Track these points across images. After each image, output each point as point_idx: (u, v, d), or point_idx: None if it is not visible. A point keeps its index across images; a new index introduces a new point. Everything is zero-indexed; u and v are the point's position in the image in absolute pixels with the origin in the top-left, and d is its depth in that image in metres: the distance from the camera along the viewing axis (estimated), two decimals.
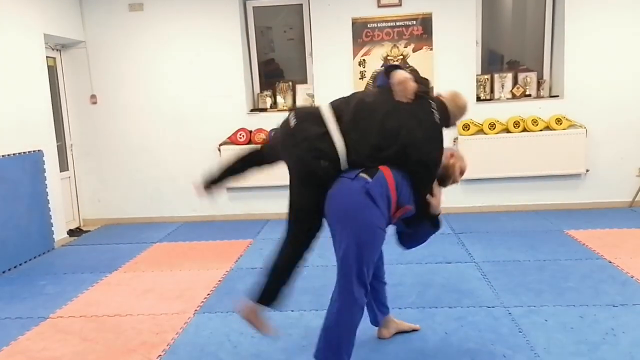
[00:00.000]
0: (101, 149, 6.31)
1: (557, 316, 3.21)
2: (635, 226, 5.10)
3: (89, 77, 6.17)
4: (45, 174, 5.30)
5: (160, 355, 2.98)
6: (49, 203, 5.33)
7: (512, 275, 3.97)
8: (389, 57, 5.93)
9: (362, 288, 2.38)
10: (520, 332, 3.03)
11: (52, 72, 5.99)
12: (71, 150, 6.29)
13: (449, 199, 5.98)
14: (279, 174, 6.14)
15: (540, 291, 3.63)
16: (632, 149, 5.81)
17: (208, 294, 3.89)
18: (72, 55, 6.18)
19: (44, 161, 5.29)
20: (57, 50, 6.09)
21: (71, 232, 5.95)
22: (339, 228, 2.42)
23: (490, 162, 5.88)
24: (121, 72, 6.16)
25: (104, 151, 6.31)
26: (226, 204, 6.27)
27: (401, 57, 5.93)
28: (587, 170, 5.85)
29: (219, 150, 6.09)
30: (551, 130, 5.78)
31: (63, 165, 6.03)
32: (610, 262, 4.11)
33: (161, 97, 6.16)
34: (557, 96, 5.91)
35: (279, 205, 6.41)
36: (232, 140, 6.09)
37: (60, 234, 5.58)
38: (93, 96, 6.20)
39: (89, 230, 6.15)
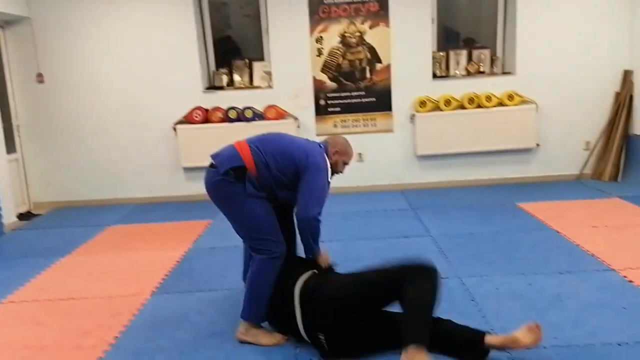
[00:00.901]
0: (50, 130, 6.11)
1: (507, 284, 3.33)
2: (582, 198, 5.30)
3: (35, 55, 5.93)
4: None
5: (116, 336, 2.95)
6: None
7: (466, 247, 4.08)
8: (346, 34, 5.92)
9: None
10: (472, 300, 3.13)
11: None
12: (18, 131, 6.06)
13: (405, 175, 6.12)
14: None
15: (492, 261, 3.74)
16: (579, 124, 6.00)
17: (166, 275, 3.85)
18: (17, 32, 5.92)
19: None
20: (0, 27, 5.83)
21: (21, 216, 5.77)
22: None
23: (446, 138, 5.98)
24: (69, 49, 5.94)
25: (54, 132, 6.11)
26: (183, 184, 6.19)
27: (358, 34, 5.93)
28: (538, 145, 6.02)
29: (175, 129, 5.98)
30: (504, 106, 5.90)
31: (10, 147, 5.81)
32: (558, 232, 4.27)
33: (112, 75, 5.98)
34: (510, 73, 6.03)
35: None
36: (187, 119, 5.99)
37: (9, 217, 5.41)
38: (40, 75, 5.97)
39: (40, 214, 5.98)
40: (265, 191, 2.78)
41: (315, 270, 2.76)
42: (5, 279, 3.95)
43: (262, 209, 2.77)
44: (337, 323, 2.52)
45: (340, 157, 3.06)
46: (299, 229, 2.81)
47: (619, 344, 2.56)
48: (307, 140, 3.05)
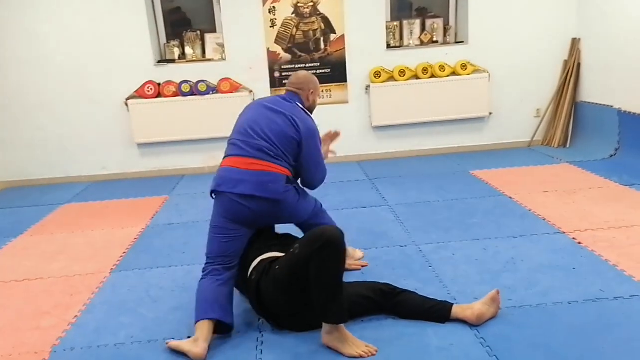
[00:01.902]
0: None
1: (463, 250, 3.43)
2: (533, 164, 5.48)
3: None
4: None
5: (76, 315, 2.90)
6: None
7: (423, 215, 4.17)
8: (299, 4, 5.85)
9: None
10: (430, 266, 3.22)
11: None
12: None
13: (362, 146, 6.16)
14: (192, 127, 6.02)
15: (448, 228, 3.84)
16: (530, 92, 6.16)
17: (124, 252, 3.79)
18: None
19: None
20: None
21: None
22: None
23: (401, 108, 6.03)
24: (11, 21, 5.64)
25: None
26: (137, 160, 6.06)
27: (311, 4, 5.86)
28: (490, 114, 6.15)
29: (127, 105, 5.82)
30: (457, 75, 5.99)
31: None
32: (511, 198, 4.41)
33: (59, 48, 5.73)
34: (462, 42, 6.11)
35: (194, 159, 6.35)
36: (139, 94, 5.83)
37: None
38: None
39: None
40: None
41: (262, 257, 2.69)
42: None
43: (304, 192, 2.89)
44: (279, 305, 2.56)
45: (315, 95, 3.01)
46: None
47: (569, 303, 2.69)
48: (282, 102, 2.85)
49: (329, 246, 2.33)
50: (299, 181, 2.91)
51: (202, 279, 2.67)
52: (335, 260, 2.36)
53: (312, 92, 2.97)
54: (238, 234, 2.69)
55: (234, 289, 2.75)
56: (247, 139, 2.71)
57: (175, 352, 2.46)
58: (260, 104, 2.88)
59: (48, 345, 2.62)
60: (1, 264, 3.75)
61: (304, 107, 2.91)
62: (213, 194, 2.75)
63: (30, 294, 3.22)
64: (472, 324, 2.50)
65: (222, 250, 2.68)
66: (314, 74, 5.76)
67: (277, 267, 2.54)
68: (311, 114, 2.96)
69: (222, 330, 2.56)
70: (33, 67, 5.76)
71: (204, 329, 2.46)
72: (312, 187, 2.94)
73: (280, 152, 2.70)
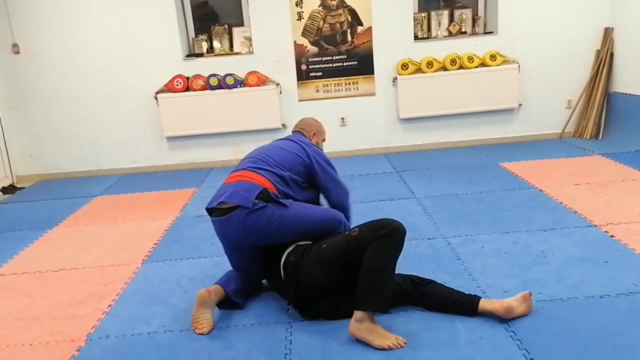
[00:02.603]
0: (29, 102, 5.99)
1: (492, 243, 3.41)
2: (564, 156, 5.39)
3: (9, 25, 5.77)
4: None
5: (110, 305, 2.98)
6: None
7: (451, 208, 4.14)
8: None
9: None
10: (458, 259, 3.21)
11: None
12: None
13: (389, 139, 6.15)
14: (220, 121, 6.09)
15: (477, 221, 3.81)
16: (561, 82, 6.04)
17: (155, 244, 3.87)
18: None
19: None
20: None
21: (5, 190, 5.72)
22: None
23: (428, 100, 5.99)
24: (45, 18, 5.78)
25: (33, 104, 6.00)
26: (167, 153, 6.16)
27: None
28: (520, 105, 6.06)
29: (156, 99, 5.91)
30: (486, 66, 5.91)
31: None
32: (541, 191, 4.35)
33: (89, 43, 5.85)
34: (492, 32, 6.02)
35: (222, 152, 6.43)
36: (168, 88, 5.91)
37: None
38: (15, 45, 5.82)
39: (24, 187, 5.92)
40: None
41: (299, 243, 2.73)
42: None
43: (300, 206, 2.78)
44: (318, 294, 2.59)
45: (318, 137, 3.17)
46: (338, 209, 2.91)
47: (601, 297, 2.65)
48: (287, 139, 3.05)
49: (392, 235, 2.39)
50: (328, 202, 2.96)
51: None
52: (393, 250, 2.40)
53: (314, 134, 3.14)
54: (241, 255, 2.83)
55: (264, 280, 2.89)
56: (245, 159, 2.91)
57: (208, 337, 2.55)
58: (270, 142, 3.07)
59: (84, 333, 2.69)
60: (38, 254, 3.86)
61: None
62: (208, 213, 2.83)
63: (66, 284, 3.31)
64: (501, 317, 2.48)
65: (235, 267, 2.91)
66: (340, 66, 5.99)
67: (324, 245, 2.58)
68: None
69: (231, 306, 2.79)
70: (65, 62, 5.89)
71: (214, 291, 2.69)
72: (342, 207, 2.92)
73: (276, 168, 2.75)
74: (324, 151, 3.09)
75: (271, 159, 2.80)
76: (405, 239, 2.46)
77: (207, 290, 2.68)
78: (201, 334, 2.58)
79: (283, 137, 3.11)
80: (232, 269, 2.93)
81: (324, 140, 3.23)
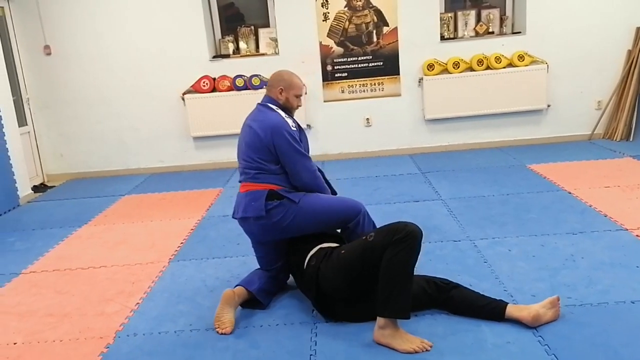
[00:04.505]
0: (59, 102, 6.12)
1: (519, 246, 3.36)
2: (594, 158, 5.29)
3: (40, 27, 5.90)
4: (4, 130, 5.15)
5: (138, 303, 3.02)
6: (10, 159, 5.20)
7: (477, 209, 4.10)
8: None
9: None
10: (485, 262, 3.17)
11: (1, 22, 5.72)
12: (28, 104, 6.08)
13: (414, 139, 6.11)
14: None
15: (503, 223, 3.77)
16: (591, 83, 5.93)
17: (181, 243, 3.91)
18: (22, 4, 5.88)
19: (0, 116, 5.12)
20: None
21: (35, 188, 5.84)
22: None
23: (454, 101, 5.94)
24: (75, 20, 5.90)
25: (63, 104, 6.13)
26: (193, 153, 6.23)
27: None
28: (549, 106, 5.97)
29: (183, 99, 5.98)
30: (514, 67, 5.84)
31: (21, 120, 5.84)
32: (570, 193, 4.28)
33: (118, 45, 5.96)
34: (520, 32, 5.94)
35: None
36: (195, 89, 5.98)
37: (24, 190, 5.47)
38: (47, 47, 5.96)
39: (54, 186, 6.05)
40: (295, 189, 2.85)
41: (321, 246, 2.76)
42: (25, 250, 4.03)
43: (311, 198, 2.82)
44: (339, 295, 2.59)
45: (288, 93, 2.88)
46: (304, 190, 2.85)
47: (632, 302, 2.59)
48: (254, 110, 2.96)
49: (408, 239, 2.35)
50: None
51: (257, 269, 2.99)
52: (410, 255, 2.37)
53: (282, 90, 2.87)
54: (265, 253, 2.94)
55: (290, 276, 2.98)
56: (239, 163, 2.93)
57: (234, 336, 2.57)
58: (244, 123, 2.98)
59: (112, 330, 2.74)
60: (67, 252, 3.94)
61: (277, 105, 2.88)
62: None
63: (95, 281, 3.37)
64: (528, 325, 2.44)
65: (262, 264, 2.98)
66: (366, 67, 5.95)
67: (343, 251, 2.59)
68: (290, 112, 2.91)
69: (255, 305, 2.83)
70: (94, 63, 6.00)
71: (239, 294, 2.75)
72: (302, 184, 2.81)
73: (260, 165, 2.78)
74: (300, 105, 2.95)
75: (258, 165, 2.78)
76: (422, 240, 2.43)
77: (232, 291, 2.74)
78: (224, 334, 2.60)
79: (253, 109, 2.96)
80: (257, 268, 2.99)
81: (297, 95, 2.90)
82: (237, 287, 2.81)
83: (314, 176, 2.86)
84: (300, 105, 2.99)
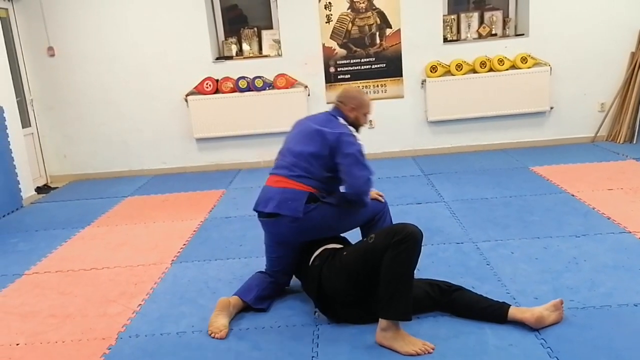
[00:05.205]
0: (63, 103, 6.14)
1: (522, 248, 3.36)
2: (597, 160, 5.28)
3: (44, 28, 5.92)
4: (7, 131, 5.16)
5: (140, 304, 3.02)
6: (13, 160, 5.21)
7: (479, 212, 4.10)
8: (354, 0, 5.84)
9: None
10: (487, 264, 3.17)
11: (5, 23, 5.73)
12: (32, 105, 6.10)
13: (417, 141, 6.11)
14: (248, 123, 6.14)
15: (506, 226, 3.76)
16: (594, 85, 5.93)
17: (184, 244, 3.92)
18: (26, 6, 5.90)
19: (4, 117, 5.13)
20: (8, 0, 5.81)
21: (39, 189, 5.86)
22: None
23: (457, 103, 5.94)
24: (78, 21, 5.92)
25: (66, 105, 6.14)
26: (196, 155, 6.24)
27: None
28: (551, 108, 5.97)
29: (186, 100, 5.99)
30: (517, 69, 5.84)
31: (25, 122, 5.86)
32: (573, 196, 4.27)
33: (121, 46, 5.97)
34: (523, 34, 5.94)
35: (250, 154, 6.47)
36: (198, 90, 5.99)
37: (27, 191, 5.48)
38: (50, 48, 5.98)
39: (57, 187, 6.06)
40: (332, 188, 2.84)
41: (326, 247, 2.77)
42: (28, 251, 4.04)
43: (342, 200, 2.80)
44: (342, 296, 2.59)
45: (358, 111, 2.93)
46: (351, 198, 2.77)
47: (635, 305, 2.59)
48: (321, 116, 2.93)
49: (407, 241, 2.35)
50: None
51: (257, 272, 2.99)
52: (410, 256, 2.36)
53: (353, 109, 2.92)
54: (283, 253, 2.86)
55: (294, 276, 2.97)
56: (280, 157, 2.88)
57: (236, 338, 2.56)
58: (301, 121, 2.97)
59: (114, 331, 2.74)
60: (70, 253, 3.95)
61: (345, 120, 2.90)
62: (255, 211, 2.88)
63: (98, 282, 3.37)
64: (531, 327, 2.43)
65: (272, 265, 2.91)
66: (368, 69, 5.97)
67: (345, 253, 2.59)
68: (356, 129, 2.93)
69: (255, 310, 2.82)
70: (97, 65, 6.02)
71: (234, 304, 2.75)
72: (351, 191, 2.74)
73: (309, 168, 2.74)
74: (365, 125, 2.99)
75: (307, 165, 2.74)
76: (423, 241, 2.42)
77: (228, 299, 2.75)
78: (220, 338, 2.58)
79: (316, 114, 2.99)
80: (258, 271, 2.97)
81: (366, 114, 2.96)
82: (234, 296, 2.80)
83: (367, 191, 2.76)
84: (366, 124, 3.04)
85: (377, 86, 6.06)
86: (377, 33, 5.94)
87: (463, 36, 6.05)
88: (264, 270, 2.97)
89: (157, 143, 6.23)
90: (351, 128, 2.89)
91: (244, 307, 2.79)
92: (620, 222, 3.64)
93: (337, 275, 2.55)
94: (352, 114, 2.93)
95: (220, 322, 2.65)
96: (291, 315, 2.77)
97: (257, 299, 2.81)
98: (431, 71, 5.89)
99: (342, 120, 2.89)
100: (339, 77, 6.04)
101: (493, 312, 2.51)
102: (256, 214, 2.89)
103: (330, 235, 2.85)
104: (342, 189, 2.86)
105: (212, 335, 2.61)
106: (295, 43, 5.95)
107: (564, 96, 5.94)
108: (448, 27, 6.03)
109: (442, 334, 2.46)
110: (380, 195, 3.04)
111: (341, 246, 2.79)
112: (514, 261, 3.18)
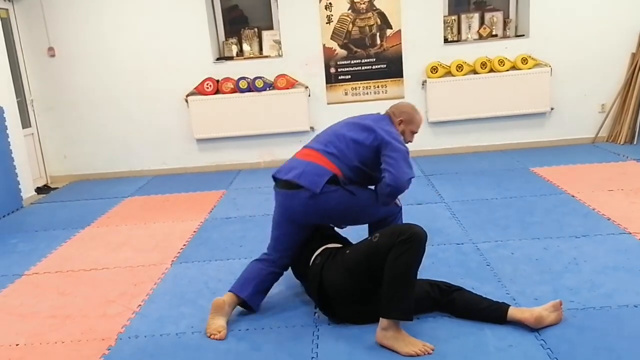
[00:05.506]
0: (63, 104, 6.14)
1: (522, 249, 3.35)
2: (597, 161, 5.27)
3: (45, 29, 5.93)
4: (8, 132, 5.16)
5: (140, 305, 3.02)
6: (13, 161, 5.21)
7: (480, 212, 4.10)
8: (355, 0, 5.84)
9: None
10: (487, 265, 3.16)
11: (6, 24, 5.74)
12: (32, 105, 6.11)
13: (418, 142, 6.08)
14: (249, 123, 6.14)
15: (506, 226, 3.76)
16: (595, 86, 5.92)
17: (184, 245, 3.92)
18: (26, 6, 5.90)
19: (4, 118, 5.14)
20: (9, 0, 5.81)
21: (39, 190, 5.86)
22: None
23: (458, 103, 5.94)
24: (79, 22, 5.92)
25: (67, 106, 6.14)
26: (196, 155, 6.24)
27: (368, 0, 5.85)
28: (552, 109, 5.96)
29: (187, 101, 5.99)
30: (517, 69, 5.83)
31: (25, 122, 5.86)
32: (573, 197, 4.26)
33: (122, 47, 5.98)
34: (523, 35, 5.94)
35: (250, 155, 6.47)
36: (199, 91, 5.99)
37: (27, 191, 5.48)
38: (51, 49, 5.98)
39: (57, 187, 6.07)
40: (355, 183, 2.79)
41: (327, 246, 2.76)
42: (28, 251, 4.04)
43: (362, 192, 2.76)
44: (342, 295, 2.58)
45: (406, 126, 2.89)
46: (387, 193, 2.69)
47: (636, 306, 2.58)
48: (372, 115, 2.93)
49: (412, 241, 2.34)
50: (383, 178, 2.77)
51: (253, 260, 2.88)
52: (414, 257, 2.36)
53: (402, 122, 2.88)
54: (289, 231, 2.79)
55: (295, 277, 2.93)
56: (320, 136, 2.86)
57: (235, 339, 2.56)
58: (349, 118, 2.93)
59: (114, 332, 2.74)
60: (70, 253, 3.94)
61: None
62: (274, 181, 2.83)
63: (98, 283, 3.37)
64: (530, 327, 2.43)
65: (275, 245, 2.83)
66: (369, 69, 5.96)
67: (348, 251, 2.59)
68: None
69: (248, 307, 2.78)
70: (98, 65, 6.02)
71: (229, 302, 2.70)
72: (393, 181, 2.64)
73: (344, 151, 2.70)
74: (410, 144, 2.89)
75: (343, 146, 2.72)
76: (427, 242, 2.42)
77: (222, 300, 2.71)
78: (220, 339, 2.58)
79: (370, 113, 2.97)
80: (251, 264, 2.86)
81: (413, 131, 2.92)
82: (228, 293, 2.75)
83: (410, 181, 2.70)
84: (411, 142, 2.96)
85: (378, 87, 6.06)
86: (378, 34, 5.94)
87: (464, 37, 6.05)
88: (261, 256, 2.86)
89: (158, 143, 6.23)
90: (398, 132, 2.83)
91: (239, 303, 2.76)
92: (620, 223, 3.64)
93: (339, 274, 2.55)
94: (400, 127, 2.88)
95: (217, 323, 2.64)
96: (291, 315, 2.76)
97: (253, 294, 2.76)
98: (432, 72, 5.89)
99: (392, 125, 2.84)
100: (339, 77, 6.04)
101: (493, 313, 2.51)
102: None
103: (340, 224, 2.86)
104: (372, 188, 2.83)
105: (211, 337, 2.60)
106: (296, 44, 5.95)
107: (564, 97, 5.94)
108: (449, 28, 6.03)
109: (442, 334, 2.46)
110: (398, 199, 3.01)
111: (342, 245, 2.78)
112: (514, 262, 3.18)
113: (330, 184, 2.64)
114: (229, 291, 2.77)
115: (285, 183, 2.71)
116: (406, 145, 2.77)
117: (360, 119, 2.87)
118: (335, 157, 2.70)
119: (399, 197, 2.89)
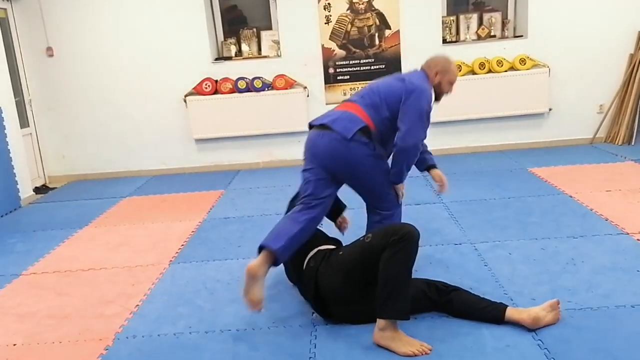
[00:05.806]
0: (62, 104, 6.14)
1: (520, 249, 3.36)
2: (595, 162, 5.28)
3: (43, 28, 5.92)
4: (6, 132, 5.16)
5: (138, 305, 3.02)
6: (11, 161, 5.21)
7: (478, 213, 4.10)
8: (354, 1, 5.84)
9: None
10: (485, 265, 3.17)
11: (4, 24, 5.73)
12: (30, 105, 6.10)
13: None
14: (248, 124, 6.14)
15: (504, 227, 3.76)
16: (593, 87, 5.93)
17: (182, 245, 3.91)
18: (24, 6, 5.90)
19: (2, 118, 5.13)
20: (7, 0, 5.81)
21: (37, 190, 5.85)
22: None
23: (456, 104, 5.90)
24: (77, 22, 5.92)
25: (65, 105, 6.14)
26: (195, 155, 6.24)
27: (366, 0, 5.85)
28: (550, 109, 5.97)
29: (185, 101, 5.99)
30: (515, 70, 5.84)
31: (23, 122, 5.85)
32: (571, 197, 4.27)
33: (121, 47, 5.97)
34: (521, 36, 5.95)
35: (249, 155, 6.47)
36: (197, 91, 5.99)
37: (25, 191, 5.48)
38: (49, 48, 5.97)
39: (56, 187, 6.06)
40: (383, 147, 2.84)
41: (320, 248, 2.75)
42: (26, 251, 4.04)
43: (385, 165, 2.84)
44: (337, 296, 2.58)
45: (443, 76, 2.91)
46: (395, 155, 2.78)
47: (633, 306, 2.59)
48: (409, 72, 2.98)
49: (405, 240, 2.35)
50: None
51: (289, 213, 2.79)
52: (407, 256, 2.37)
53: (437, 74, 2.91)
54: (316, 176, 2.74)
55: (290, 281, 2.93)
56: (364, 89, 2.94)
57: (233, 339, 2.56)
58: (391, 76, 3.01)
59: (112, 332, 2.74)
60: (68, 253, 3.94)
61: (428, 79, 2.90)
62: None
63: (95, 283, 3.37)
64: (528, 327, 2.44)
65: (304, 189, 2.78)
66: (367, 70, 5.97)
67: (341, 253, 2.60)
68: (437, 96, 2.96)
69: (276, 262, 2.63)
70: (96, 65, 6.02)
71: (262, 263, 2.55)
72: (399, 142, 2.73)
73: (378, 105, 2.77)
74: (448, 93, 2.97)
75: (377, 98, 2.79)
76: (419, 241, 2.42)
77: (255, 265, 2.55)
78: (258, 311, 2.58)
79: (408, 71, 3.03)
80: (284, 217, 2.77)
81: (450, 82, 2.94)
82: (261, 251, 2.58)
83: (418, 146, 2.81)
84: (450, 92, 2.99)
85: None
86: (377, 34, 5.94)
87: (462, 37, 6.06)
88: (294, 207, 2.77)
89: (156, 143, 6.23)
90: (432, 92, 2.88)
91: (273, 261, 2.59)
92: (618, 223, 3.64)
93: (333, 275, 2.55)
94: (437, 78, 2.92)
95: (258, 293, 2.53)
96: (289, 316, 2.77)
97: (284, 248, 2.58)
98: None
99: (428, 82, 2.89)
100: (338, 78, 6.04)
101: (490, 313, 2.51)
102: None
103: (355, 184, 2.86)
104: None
105: (252, 307, 2.55)
106: (295, 44, 5.95)
107: (562, 98, 5.94)
108: (447, 29, 6.03)
109: (440, 335, 2.46)
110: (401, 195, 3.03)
111: (335, 247, 2.78)
112: (512, 262, 3.18)
113: (362, 135, 2.70)
114: (261, 244, 2.60)
115: (319, 126, 2.79)
116: (431, 103, 2.81)
117: (396, 74, 2.99)
118: (370, 108, 2.78)
119: (400, 198, 2.98)
